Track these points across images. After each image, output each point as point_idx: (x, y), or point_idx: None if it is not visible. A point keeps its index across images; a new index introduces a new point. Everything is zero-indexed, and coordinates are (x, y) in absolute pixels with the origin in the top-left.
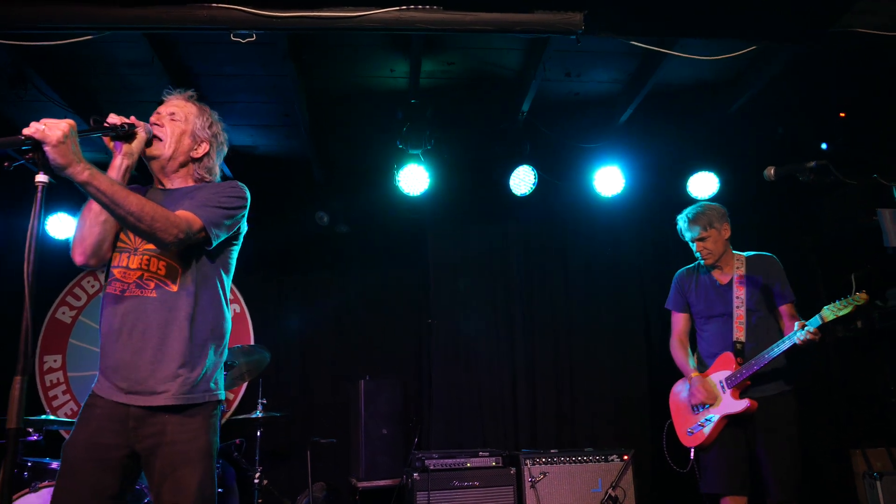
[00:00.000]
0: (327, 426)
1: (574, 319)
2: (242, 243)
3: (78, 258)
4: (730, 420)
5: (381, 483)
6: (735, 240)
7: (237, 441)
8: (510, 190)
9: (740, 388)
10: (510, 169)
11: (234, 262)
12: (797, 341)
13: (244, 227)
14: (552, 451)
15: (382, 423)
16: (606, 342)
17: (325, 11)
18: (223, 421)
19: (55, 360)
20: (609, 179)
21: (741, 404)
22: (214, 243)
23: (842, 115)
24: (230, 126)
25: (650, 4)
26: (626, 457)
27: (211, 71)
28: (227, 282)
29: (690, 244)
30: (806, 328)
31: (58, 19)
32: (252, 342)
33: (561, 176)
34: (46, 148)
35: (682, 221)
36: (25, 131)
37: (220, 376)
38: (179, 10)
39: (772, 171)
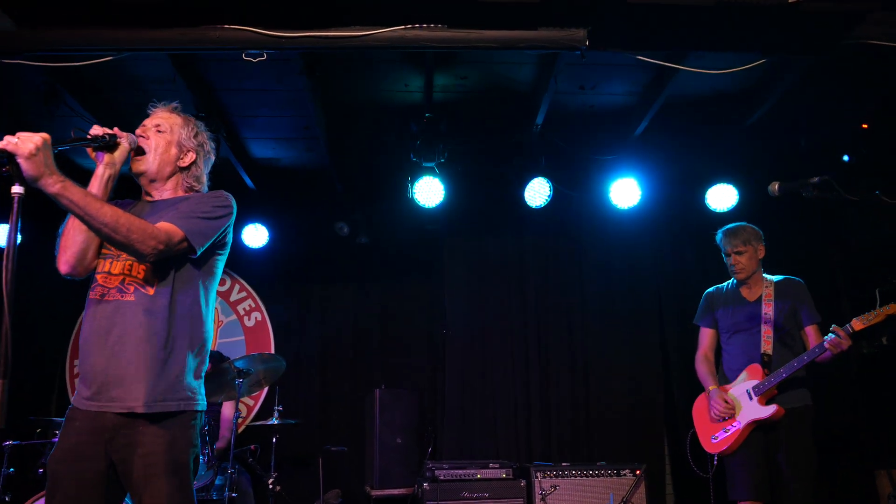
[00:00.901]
0: (343, 434)
1: (590, 331)
2: (265, 253)
3: (63, 267)
4: (756, 426)
5: (395, 492)
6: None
7: (252, 447)
8: (525, 202)
9: (767, 396)
10: (525, 181)
11: (219, 270)
12: (826, 346)
13: (230, 237)
14: (564, 464)
15: (397, 433)
16: (623, 354)
17: (332, 31)
18: (242, 427)
19: None
20: (625, 191)
21: (768, 410)
22: (198, 252)
23: (864, 125)
24: (252, 139)
25: (657, 19)
26: (638, 471)
27: (232, 86)
28: (212, 289)
29: (725, 257)
30: (834, 332)
31: (82, 42)
32: (272, 350)
33: (576, 188)
34: (19, 160)
35: (721, 234)
36: (0, 144)
37: (200, 385)
38: (194, 32)
39: (776, 187)
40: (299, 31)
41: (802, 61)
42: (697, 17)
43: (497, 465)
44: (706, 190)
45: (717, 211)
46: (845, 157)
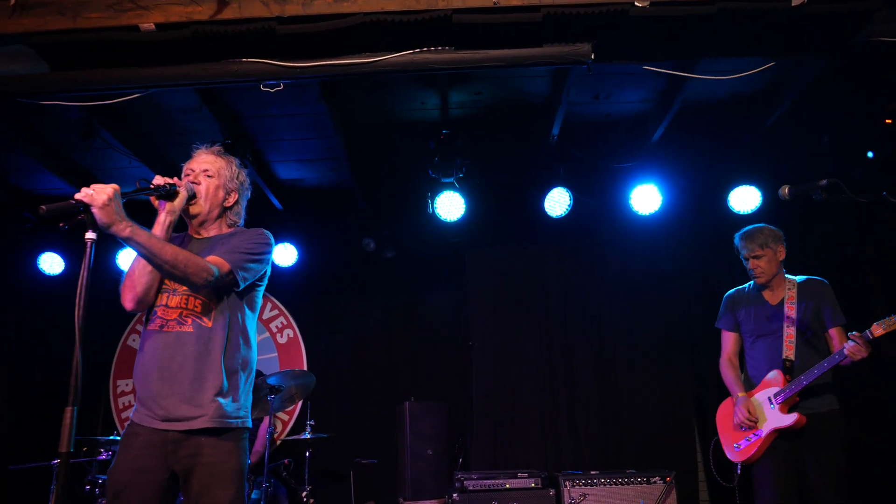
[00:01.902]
0: (374, 447)
1: (616, 339)
2: (295, 271)
3: (128, 304)
4: (779, 435)
5: (427, 503)
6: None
7: (286, 461)
8: (545, 212)
9: (789, 404)
10: (545, 191)
11: (259, 300)
12: (846, 352)
13: (269, 269)
14: (593, 472)
15: (427, 444)
16: (649, 361)
17: (343, 59)
18: (278, 442)
19: (127, 385)
20: (645, 198)
21: (790, 418)
22: (242, 285)
23: (888, 121)
24: (278, 161)
25: (661, 29)
26: (668, 478)
27: (256, 113)
28: (254, 318)
29: (744, 262)
30: (853, 339)
31: (111, 81)
32: (305, 367)
33: (596, 196)
34: (94, 209)
35: (738, 238)
36: (76, 196)
37: (249, 405)
38: (213, 67)
39: (786, 190)
40: (313, 60)
41: (816, 61)
42: (701, 25)
43: (526, 475)
44: (728, 192)
45: (741, 213)
46: (869, 154)
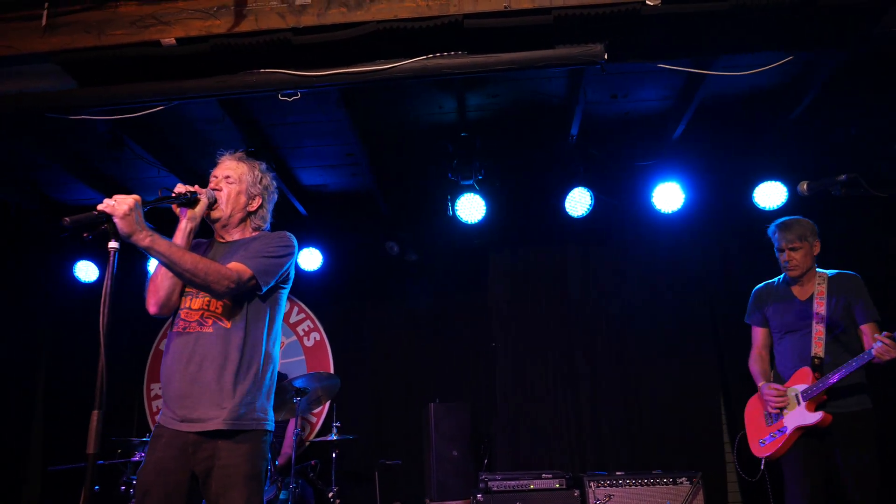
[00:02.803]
0: (399, 448)
1: (639, 337)
2: (320, 275)
3: (151, 308)
4: (807, 433)
5: None
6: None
7: (312, 462)
8: (566, 212)
9: (816, 402)
10: (565, 191)
11: (283, 303)
12: (874, 353)
13: (293, 272)
14: (618, 472)
15: (452, 445)
16: (674, 359)
17: (358, 67)
18: (306, 443)
19: (160, 388)
20: (668, 195)
21: (815, 417)
22: (264, 290)
23: None
24: (300, 168)
25: (675, 27)
26: (695, 479)
27: (277, 121)
28: (278, 319)
29: (778, 253)
30: (881, 339)
31: (136, 95)
32: (332, 369)
33: (617, 195)
34: (115, 219)
35: (774, 229)
36: (99, 207)
37: (270, 407)
38: (232, 78)
39: (804, 186)
40: (328, 68)
41: (836, 54)
42: (715, 21)
43: (550, 476)
44: (753, 188)
45: (767, 209)
46: None
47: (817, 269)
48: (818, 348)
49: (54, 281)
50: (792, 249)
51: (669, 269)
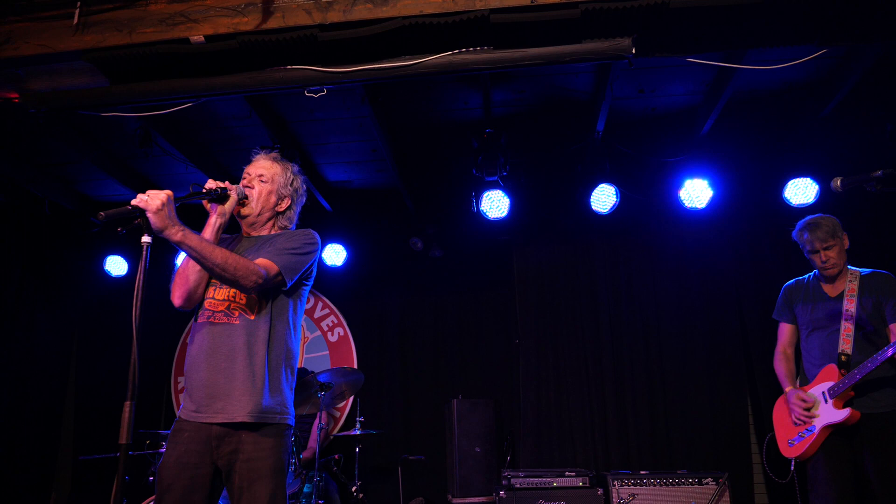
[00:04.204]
0: (422, 444)
1: (665, 334)
2: (345, 271)
3: (176, 301)
4: (834, 432)
5: (475, 500)
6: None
7: (336, 456)
8: (592, 208)
9: (843, 399)
10: (590, 188)
11: (305, 297)
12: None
13: (315, 269)
14: (642, 472)
15: (476, 442)
16: (701, 357)
17: (384, 63)
18: (331, 437)
19: None
20: (695, 192)
21: (842, 413)
22: (289, 285)
23: None
24: (325, 164)
25: (704, 20)
26: (721, 479)
27: (303, 118)
28: (300, 313)
29: (812, 254)
30: None
31: (166, 92)
32: (355, 364)
33: (644, 191)
34: (148, 214)
35: (802, 231)
36: (133, 202)
37: (291, 399)
38: (259, 75)
39: (838, 182)
40: (354, 64)
41: (871, 48)
42: (745, 14)
43: (573, 474)
44: (784, 185)
45: (798, 206)
46: None
47: (849, 267)
48: (846, 345)
49: (85, 275)
50: (827, 249)
51: (697, 266)
